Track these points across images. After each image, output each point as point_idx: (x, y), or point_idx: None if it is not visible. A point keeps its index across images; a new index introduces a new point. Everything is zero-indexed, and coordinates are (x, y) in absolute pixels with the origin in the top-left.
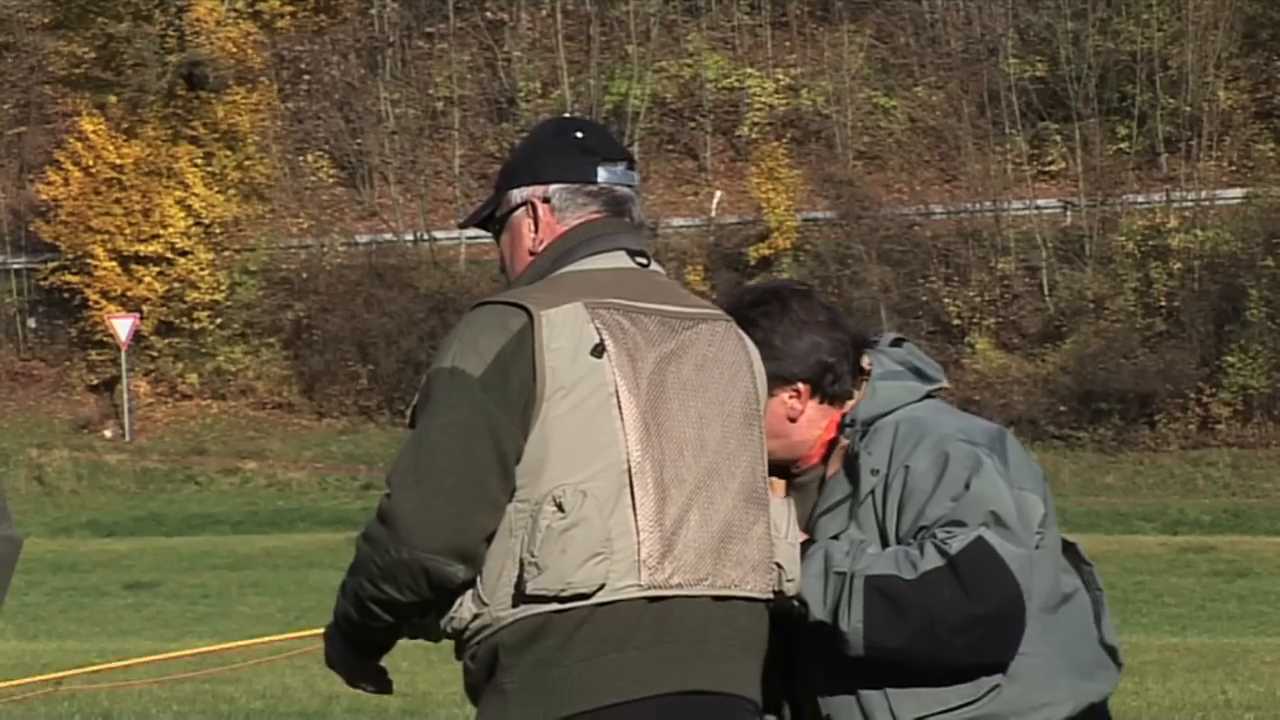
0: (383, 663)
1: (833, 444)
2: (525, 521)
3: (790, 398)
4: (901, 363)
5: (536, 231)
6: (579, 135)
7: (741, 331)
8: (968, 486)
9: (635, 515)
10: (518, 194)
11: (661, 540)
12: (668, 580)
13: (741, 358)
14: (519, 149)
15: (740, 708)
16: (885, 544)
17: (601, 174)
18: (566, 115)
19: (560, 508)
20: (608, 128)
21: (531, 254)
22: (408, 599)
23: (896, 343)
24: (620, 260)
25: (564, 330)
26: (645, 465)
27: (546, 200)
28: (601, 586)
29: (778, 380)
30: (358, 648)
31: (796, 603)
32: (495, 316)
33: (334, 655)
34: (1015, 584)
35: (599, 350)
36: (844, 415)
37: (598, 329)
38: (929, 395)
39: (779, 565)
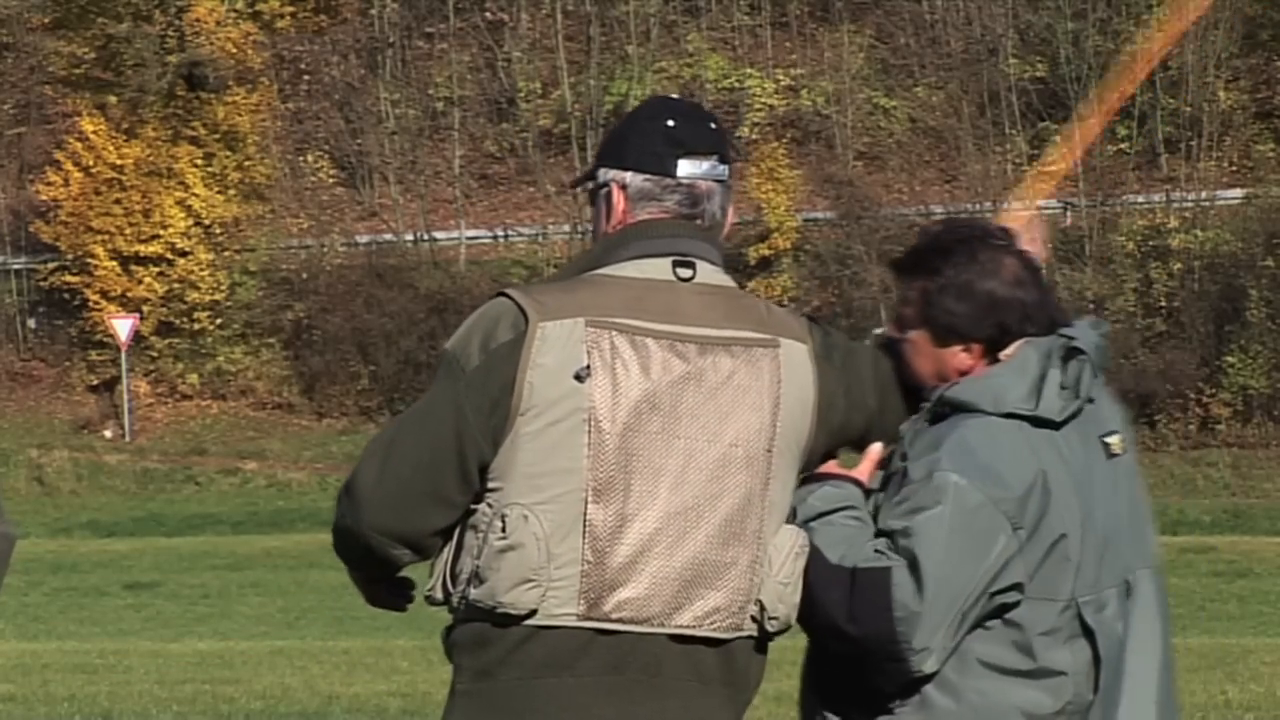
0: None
1: None
2: (483, 527)
3: (961, 352)
4: (1044, 372)
5: (611, 216)
6: (670, 124)
7: (791, 357)
8: (915, 516)
9: (584, 545)
10: (603, 174)
11: (609, 573)
12: (608, 614)
13: (766, 389)
14: (617, 125)
15: None
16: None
17: (682, 168)
18: (673, 97)
19: (503, 527)
20: (708, 115)
21: (606, 235)
22: (354, 564)
23: (1073, 353)
24: (659, 270)
25: (554, 347)
26: (607, 496)
27: (624, 187)
28: (533, 612)
29: (952, 334)
30: (363, 574)
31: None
32: (504, 312)
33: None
34: (892, 626)
35: (582, 374)
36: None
37: (588, 351)
38: (1021, 418)
39: (761, 604)
